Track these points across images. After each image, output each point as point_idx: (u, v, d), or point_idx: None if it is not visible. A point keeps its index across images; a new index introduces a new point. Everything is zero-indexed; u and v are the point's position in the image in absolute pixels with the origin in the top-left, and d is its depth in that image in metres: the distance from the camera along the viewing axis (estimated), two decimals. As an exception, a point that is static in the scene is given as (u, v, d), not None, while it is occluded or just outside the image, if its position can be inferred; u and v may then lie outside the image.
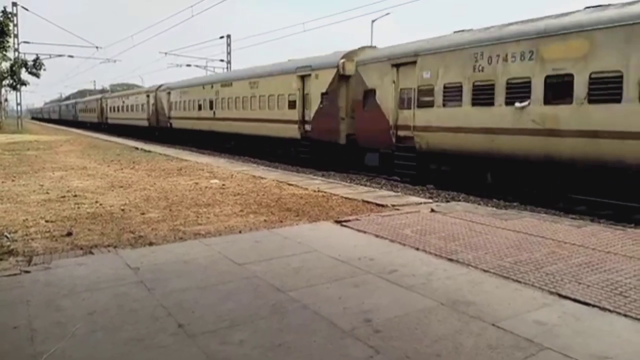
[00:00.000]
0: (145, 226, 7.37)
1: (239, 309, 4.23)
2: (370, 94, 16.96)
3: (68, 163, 17.36)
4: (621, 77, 10.10)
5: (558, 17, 11.80)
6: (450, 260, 5.62)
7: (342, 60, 18.18)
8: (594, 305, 4.27)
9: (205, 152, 26.34)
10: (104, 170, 15.22)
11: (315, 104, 19.73)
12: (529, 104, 11.83)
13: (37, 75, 41.77)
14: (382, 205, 9.05)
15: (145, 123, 41.09)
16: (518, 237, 6.63)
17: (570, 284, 4.77)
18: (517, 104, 12.01)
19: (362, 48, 18.64)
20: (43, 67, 41.45)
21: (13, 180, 12.55)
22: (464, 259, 5.61)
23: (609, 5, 11.02)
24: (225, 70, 47.10)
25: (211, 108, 29.07)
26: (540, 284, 4.81)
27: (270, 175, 13.81)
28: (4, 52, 38.76)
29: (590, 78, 10.64)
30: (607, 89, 10.36)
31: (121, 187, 11.50)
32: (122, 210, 8.61)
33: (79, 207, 8.88)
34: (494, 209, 9.64)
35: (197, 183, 12.17)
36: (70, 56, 49.17)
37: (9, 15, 38.61)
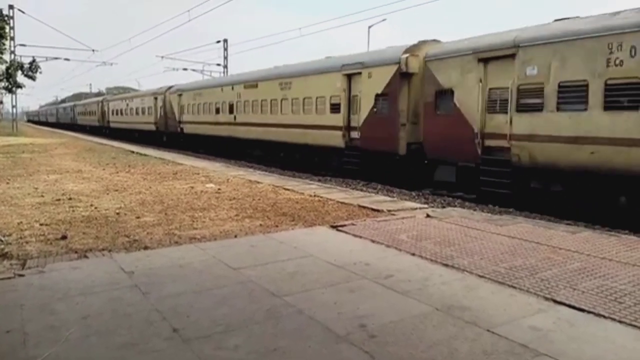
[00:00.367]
0: (140, 230, 7.35)
1: (234, 313, 4.22)
2: (445, 95, 14.01)
3: (63, 166, 17.30)
4: None
5: None
6: (446, 265, 5.63)
7: (405, 56, 15.12)
8: (589, 311, 4.28)
9: (201, 155, 26.21)
10: (99, 173, 15.17)
11: (366, 107, 16.67)
12: None
13: (33, 78, 41.64)
14: (378, 210, 9.05)
15: (152, 127, 38.29)
16: (513, 243, 6.64)
17: (565, 290, 4.78)
18: None
19: (424, 42, 15.85)
20: (39, 70, 41.32)
21: (7, 183, 12.50)
22: (459, 265, 5.62)
23: None
24: (222, 74, 46.97)
25: (231, 112, 25.99)
26: (535, 289, 4.81)
27: (266, 180, 13.80)
28: (0, 55, 38.65)
29: None
30: None
31: (116, 190, 11.46)
32: (117, 213, 8.58)
33: (73, 211, 8.85)
34: (489, 214, 9.66)
35: (192, 187, 12.14)
36: (67, 59, 49.10)
37: (5, 18, 38.53)
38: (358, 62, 17.28)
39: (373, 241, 6.70)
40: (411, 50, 15.47)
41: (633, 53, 9.98)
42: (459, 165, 13.62)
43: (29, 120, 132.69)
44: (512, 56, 12.16)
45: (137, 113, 41.97)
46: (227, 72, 48.53)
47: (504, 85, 12.35)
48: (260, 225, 7.80)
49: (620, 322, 4.06)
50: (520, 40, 12.08)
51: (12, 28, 41.51)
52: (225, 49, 49.43)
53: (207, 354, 3.52)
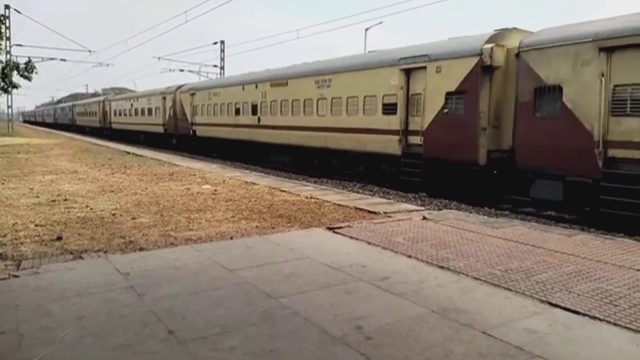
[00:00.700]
0: (136, 231, 7.33)
1: (230, 315, 4.21)
2: (548, 93, 11.54)
3: (59, 167, 17.24)
4: None
5: None
6: (442, 267, 5.63)
7: (489, 46, 12.62)
8: (584, 314, 4.29)
9: (197, 157, 26.11)
10: (94, 174, 15.13)
11: (432, 107, 14.06)
12: None
13: (29, 79, 41.39)
14: (374, 213, 9.06)
15: (159, 129, 35.50)
16: (509, 246, 6.66)
17: (561, 293, 4.80)
18: None
19: (506, 30, 13.40)
20: (35, 70, 41.14)
21: (2, 184, 12.45)
22: (455, 267, 5.63)
23: None
24: (219, 76, 46.82)
25: (254, 113, 23.21)
26: (530, 292, 4.83)
27: (262, 181, 13.79)
28: (-4, 55, 38.47)
29: None
30: None
31: (112, 191, 11.43)
32: (113, 214, 8.56)
33: (69, 212, 8.82)
34: (485, 217, 9.69)
35: (188, 188, 12.12)
36: (63, 59, 48.84)
37: (1, 18, 38.37)
38: (422, 54, 14.56)
39: (369, 243, 6.71)
40: (495, 39, 12.96)
41: None
42: (567, 180, 11.07)
43: (25, 121, 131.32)
44: None
45: (142, 114, 39.29)
46: (223, 73, 48.44)
47: (637, 81, 9.98)
48: (257, 226, 7.80)
49: (615, 324, 4.07)
50: None
51: (7, 28, 41.29)
52: (222, 50, 49.40)
53: (203, 355, 3.51)
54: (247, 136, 24.13)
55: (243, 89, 24.72)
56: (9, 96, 46.74)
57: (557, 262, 5.84)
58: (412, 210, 9.60)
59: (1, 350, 3.59)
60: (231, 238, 7.02)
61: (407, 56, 15.11)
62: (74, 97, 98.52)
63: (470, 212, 10.76)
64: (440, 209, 11.16)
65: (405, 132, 15.18)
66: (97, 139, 43.12)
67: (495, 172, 12.88)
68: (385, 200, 11.54)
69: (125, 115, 43.91)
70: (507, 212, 11.58)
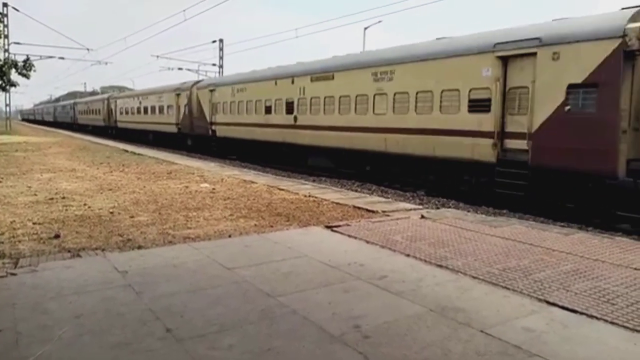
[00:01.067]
0: (134, 229, 7.32)
1: (228, 313, 4.21)
2: None
3: (57, 165, 17.21)
4: None
5: None
6: (440, 266, 5.64)
7: (635, 25, 9.96)
8: (581, 313, 4.30)
9: (195, 155, 25.97)
10: (93, 172, 15.11)
11: (546, 104, 11.27)
12: None
13: (27, 77, 41.28)
14: (373, 211, 9.05)
15: (172, 129, 32.52)
16: (507, 244, 6.66)
17: (558, 291, 4.80)
18: None
19: None
20: (33, 68, 41.04)
21: (0, 182, 12.43)
22: (453, 266, 5.63)
23: None
24: (217, 74, 46.63)
25: (289, 112, 20.56)
26: (528, 291, 4.83)
27: (260, 180, 13.78)
28: (-6, 53, 38.37)
29: None
30: None
31: (110, 189, 11.41)
32: (111, 213, 8.55)
33: (67, 210, 8.80)
34: (484, 215, 9.69)
35: (187, 187, 12.11)
36: (61, 58, 48.61)
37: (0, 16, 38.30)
38: (529, 37, 11.69)
39: (367, 242, 6.71)
40: None
41: None
42: None
43: (24, 119, 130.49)
44: None
45: (152, 112, 36.40)
46: (222, 72, 48.34)
47: None
48: (255, 225, 7.79)
49: (612, 323, 4.08)
50: None
51: (5, 26, 41.22)
52: (221, 49, 49.28)
53: (201, 353, 3.50)
54: (280, 137, 21.32)
55: (275, 84, 21.72)
56: (7, 94, 46.67)
57: (554, 261, 5.84)
58: (411, 209, 9.60)
59: None
60: (229, 236, 7.01)
61: (507, 40, 12.15)
62: (73, 95, 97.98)
63: (469, 211, 10.76)
64: (438, 208, 11.17)
65: (501, 134, 12.23)
66: (100, 138, 41.31)
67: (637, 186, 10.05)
68: (383, 199, 11.54)
69: (132, 113, 41.33)
70: (505, 211, 11.57)
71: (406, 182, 15.63)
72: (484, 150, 12.52)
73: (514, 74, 12.13)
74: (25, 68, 39.17)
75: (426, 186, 14.66)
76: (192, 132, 29.99)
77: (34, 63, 39.41)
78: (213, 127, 27.52)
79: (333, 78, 18.30)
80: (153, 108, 36.40)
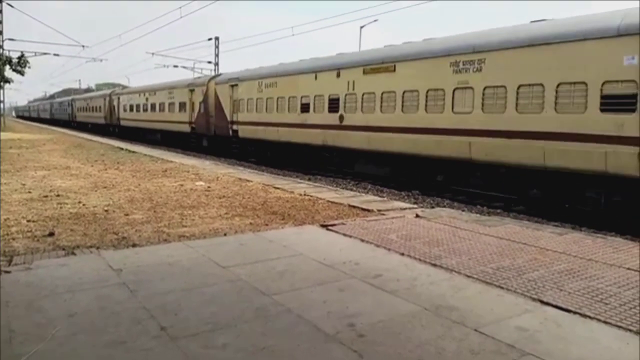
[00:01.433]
0: (129, 227, 7.29)
1: (223, 312, 4.20)
2: None
3: (51, 162, 17.15)
4: None
5: None
6: (434, 265, 5.65)
7: None
8: (575, 312, 4.32)
9: (190, 153, 25.80)
10: (87, 170, 15.06)
11: None
12: None
13: (21, 73, 41.01)
14: (368, 210, 9.07)
15: (185, 128, 29.65)
16: (501, 244, 6.68)
17: (552, 291, 4.82)
18: None
19: None
20: (28, 65, 40.79)
21: (-6, 179, 12.35)
22: (447, 265, 5.65)
23: None
24: (213, 72, 46.40)
25: (333, 109, 17.80)
26: (522, 290, 4.85)
27: (256, 179, 13.77)
28: (-12, 49, 38.16)
29: None
30: None
31: (105, 187, 11.38)
32: (106, 211, 8.52)
33: (61, 207, 8.77)
34: (478, 215, 9.72)
35: (182, 185, 12.08)
36: (56, 54, 48.43)
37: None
38: None
39: (362, 240, 6.71)
40: None
41: None
42: None
43: (18, 116, 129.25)
44: None
45: (161, 109, 33.55)
46: (217, 69, 48.19)
47: None
48: (250, 223, 7.78)
49: (605, 322, 4.10)
50: None
51: (0, 22, 41.00)
52: (217, 47, 49.20)
53: (195, 352, 3.50)
54: (320, 140, 18.50)
55: (315, 78, 18.87)
56: (1, 91, 46.40)
57: (548, 261, 5.86)
58: (405, 208, 9.61)
59: None
60: (225, 235, 7.01)
61: None
62: (67, 92, 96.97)
63: (463, 210, 10.78)
64: (433, 207, 11.19)
65: None
66: (99, 136, 38.88)
67: None
68: (378, 198, 11.56)
69: (138, 110, 38.46)
70: (499, 211, 11.60)
71: (401, 181, 15.14)
72: (624, 161, 9.79)
73: None
74: (20, 64, 38.92)
75: (526, 203, 12.42)
76: (209, 132, 26.95)
77: (29, 59, 39.18)
78: (234, 127, 24.47)
79: (394, 70, 15.38)
80: (162, 105, 33.55)
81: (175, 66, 49.75)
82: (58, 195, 10.04)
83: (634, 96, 9.69)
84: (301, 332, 3.84)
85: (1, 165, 15.65)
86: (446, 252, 6.16)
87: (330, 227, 7.46)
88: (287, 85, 20.71)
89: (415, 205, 10.75)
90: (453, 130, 13.29)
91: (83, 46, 44.11)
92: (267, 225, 7.70)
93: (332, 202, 9.89)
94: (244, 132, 23.81)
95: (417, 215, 8.64)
